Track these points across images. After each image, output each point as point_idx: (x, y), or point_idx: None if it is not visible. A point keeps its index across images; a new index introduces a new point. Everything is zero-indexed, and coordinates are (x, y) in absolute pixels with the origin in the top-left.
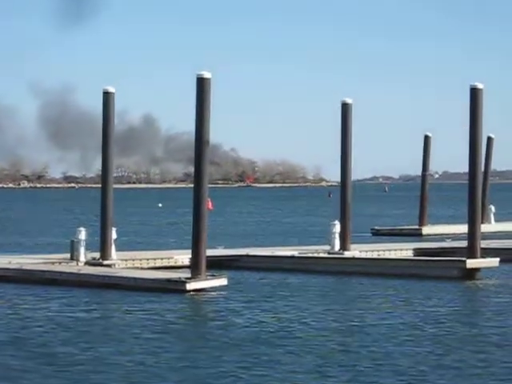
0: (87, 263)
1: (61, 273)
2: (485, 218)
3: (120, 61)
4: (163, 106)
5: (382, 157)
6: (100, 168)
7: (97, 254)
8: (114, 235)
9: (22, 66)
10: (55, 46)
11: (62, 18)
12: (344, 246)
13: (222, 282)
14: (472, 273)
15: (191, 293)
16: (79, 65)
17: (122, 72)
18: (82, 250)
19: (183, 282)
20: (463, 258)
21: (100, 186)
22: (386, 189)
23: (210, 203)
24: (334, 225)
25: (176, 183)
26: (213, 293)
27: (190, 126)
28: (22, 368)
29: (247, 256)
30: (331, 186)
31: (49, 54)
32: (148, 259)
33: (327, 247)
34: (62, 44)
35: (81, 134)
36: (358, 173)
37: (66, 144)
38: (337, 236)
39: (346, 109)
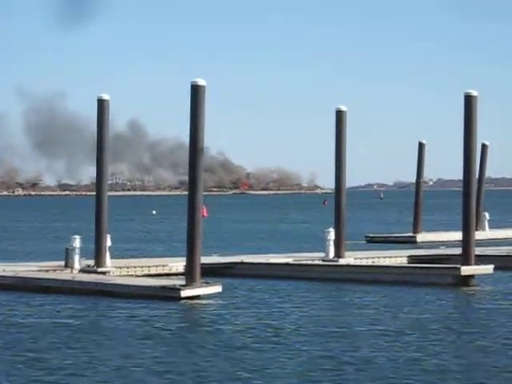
0: (82, 270)
1: (55, 280)
2: (479, 225)
3: (106, 63)
4: (149, 111)
5: (377, 164)
6: (94, 175)
7: (91, 262)
8: (108, 242)
9: (10, 69)
10: (44, 48)
11: (55, 20)
12: (338, 254)
13: (217, 289)
14: (466, 280)
15: (186, 300)
16: (66, 68)
17: (107, 75)
18: (77, 257)
19: (178, 290)
20: (457, 265)
21: (94, 193)
22: (382, 196)
23: (205, 210)
24: (329, 232)
25: (170, 190)
26: (207, 300)
27: (174, 131)
28: (7, 373)
29: (242, 263)
30: (326, 193)
31: (36, 55)
32: (142, 266)
33: (322, 254)
34: (49, 46)
35: (67, 141)
36: (352, 180)
37: (52, 152)
38: (331, 243)
39: (340, 116)
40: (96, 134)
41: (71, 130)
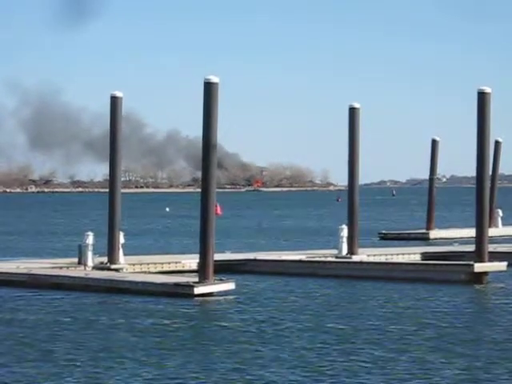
0: (95, 268)
1: (68, 277)
2: (492, 222)
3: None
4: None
5: (390, 161)
6: (107, 172)
7: (104, 259)
8: (121, 239)
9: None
10: (36, 47)
11: (57, 20)
12: (352, 250)
13: (230, 286)
14: (479, 277)
15: (199, 297)
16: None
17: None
18: (90, 254)
19: (191, 287)
20: (471, 262)
21: (107, 190)
22: (394, 192)
23: (218, 208)
24: (342, 229)
25: (183, 188)
26: (220, 297)
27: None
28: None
29: (255, 260)
30: (339, 190)
31: (29, 54)
32: (156, 263)
33: (335, 251)
34: (46, 44)
35: (61, 132)
36: (365, 177)
37: (48, 144)
38: (344, 240)
39: (353, 113)
40: (109, 132)
41: (65, 120)
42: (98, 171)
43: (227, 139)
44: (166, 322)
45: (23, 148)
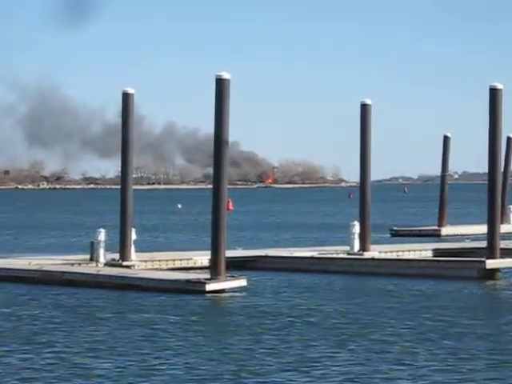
0: (106, 264)
1: (80, 274)
2: (504, 219)
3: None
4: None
5: (401, 157)
6: (119, 169)
7: (116, 255)
8: (133, 236)
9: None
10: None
11: (59, 18)
12: (363, 247)
13: (242, 282)
14: (491, 273)
15: (211, 294)
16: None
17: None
18: (102, 251)
19: (203, 283)
20: (483, 259)
21: (119, 186)
22: (406, 189)
23: (230, 204)
24: (354, 225)
25: (195, 184)
26: (232, 294)
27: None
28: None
29: (266, 257)
30: (350, 186)
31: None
32: (167, 260)
33: (346, 248)
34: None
35: (61, 126)
36: (377, 173)
37: (48, 143)
38: (356, 236)
39: (365, 110)
40: (121, 129)
41: (64, 113)
42: (110, 168)
43: (240, 135)
44: (177, 318)
45: (22, 145)
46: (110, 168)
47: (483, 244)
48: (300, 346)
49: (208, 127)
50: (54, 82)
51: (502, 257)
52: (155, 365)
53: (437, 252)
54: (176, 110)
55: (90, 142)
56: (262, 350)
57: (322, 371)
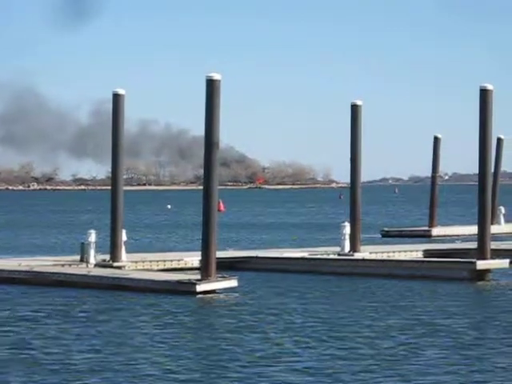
0: (97, 265)
1: (70, 275)
2: (494, 219)
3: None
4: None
5: (392, 158)
6: (109, 170)
7: (107, 256)
8: (123, 237)
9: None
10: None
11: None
12: (354, 248)
13: (232, 283)
14: (482, 274)
15: (201, 294)
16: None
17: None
18: (92, 252)
19: (193, 284)
20: (473, 260)
21: (110, 187)
22: (396, 190)
23: (221, 205)
24: (344, 226)
25: (186, 185)
26: (223, 294)
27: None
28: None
29: (257, 258)
30: (341, 187)
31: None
32: (158, 261)
33: (337, 249)
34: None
35: (40, 126)
36: (367, 174)
37: (25, 146)
38: (347, 237)
39: (355, 110)
40: (111, 129)
41: (43, 113)
42: (101, 169)
43: (229, 136)
44: (167, 319)
45: None
46: (101, 169)
47: (474, 245)
48: (291, 346)
49: (199, 128)
50: (29, 82)
51: (492, 258)
52: (143, 366)
53: (427, 253)
54: (167, 111)
55: (65, 143)
56: (251, 350)
57: (310, 370)
